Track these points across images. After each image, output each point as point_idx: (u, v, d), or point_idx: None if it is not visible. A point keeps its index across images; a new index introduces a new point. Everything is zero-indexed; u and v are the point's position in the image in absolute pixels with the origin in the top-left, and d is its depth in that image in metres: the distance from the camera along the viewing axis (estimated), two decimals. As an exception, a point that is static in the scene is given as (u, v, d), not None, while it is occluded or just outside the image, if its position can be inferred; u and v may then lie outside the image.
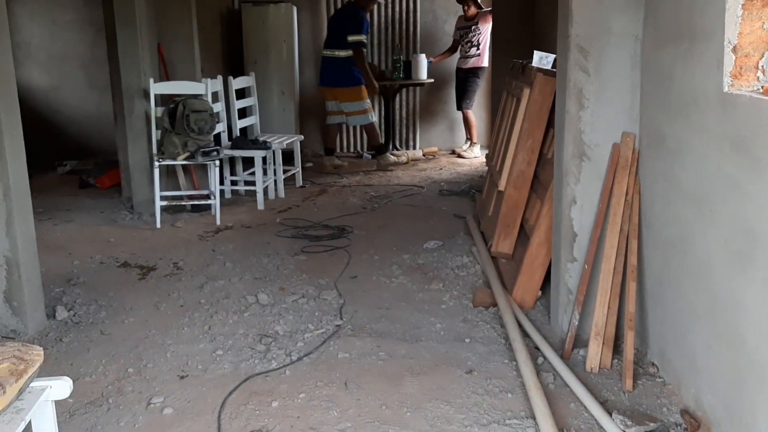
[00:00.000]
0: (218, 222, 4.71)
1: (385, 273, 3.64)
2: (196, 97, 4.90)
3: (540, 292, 3.16)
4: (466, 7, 6.80)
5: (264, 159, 5.31)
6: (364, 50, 6.30)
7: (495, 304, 3.11)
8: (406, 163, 6.69)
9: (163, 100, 5.01)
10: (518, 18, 5.01)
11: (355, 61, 6.25)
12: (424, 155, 7.26)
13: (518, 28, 5.06)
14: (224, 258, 3.94)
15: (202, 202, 4.93)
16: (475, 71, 6.90)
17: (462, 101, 6.98)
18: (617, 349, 2.57)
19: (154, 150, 4.80)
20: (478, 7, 6.80)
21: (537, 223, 3.11)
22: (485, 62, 6.89)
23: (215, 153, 4.72)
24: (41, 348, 1.52)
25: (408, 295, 3.31)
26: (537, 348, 2.65)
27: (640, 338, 2.57)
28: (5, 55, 2.86)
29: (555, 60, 3.69)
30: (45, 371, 1.78)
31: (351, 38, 6.18)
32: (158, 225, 4.62)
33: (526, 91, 3.57)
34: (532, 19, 4.91)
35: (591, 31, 2.55)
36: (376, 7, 7.25)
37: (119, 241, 4.33)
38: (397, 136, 7.49)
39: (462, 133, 7.41)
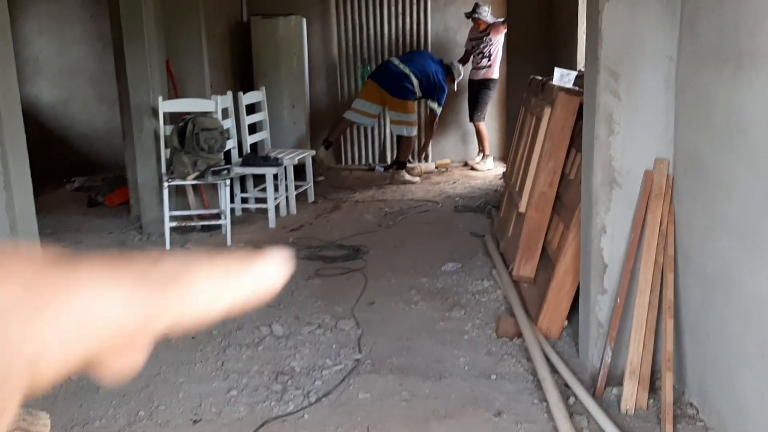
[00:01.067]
0: (229, 242, 4.60)
1: (404, 299, 3.51)
2: (205, 114, 4.81)
3: (566, 322, 3.03)
4: (475, 24, 6.69)
5: (275, 176, 5.20)
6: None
7: (519, 335, 2.97)
8: (419, 182, 6.54)
9: (173, 117, 4.92)
10: (534, 28, 4.89)
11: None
12: (437, 168, 7.13)
13: (534, 38, 4.94)
14: (236, 283, 3.82)
15: (213, 222, 4.83)
16: (486, 83, 6.75)
17: (474, 113, 6.85)
18: (652, 386, 2.44)
19: (163, 169, 4.70)
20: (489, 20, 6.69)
21: (563, 250, 2.98)
22: (496, 74, 6.73)
23: (225, 172, 4.61)
24: (47, 415, 1.41)
25: (429, 324, 3.18)
26: (567, 386, 2.52)
27: (677, 376, 2.43)
28: (10, 83, 2.76)
29: (576, 77, 3.57)
30: (54, 415, 1.67)
31: (432, 105, 6.62)
32: (168, 247, 4.52)
33: (547, 110, 3.44)
34: (549, 30, 4.79)
35: (622, 52, 2.42)
36: (386, 17, 7.17)
37: (129, 265, 4.22)
38: (410, 148, 7.37)
39: (474, 144, 7.28)
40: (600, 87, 2.46)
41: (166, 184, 4.52)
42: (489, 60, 6.71)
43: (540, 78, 3.99)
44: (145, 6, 4.61)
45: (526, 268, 3.52)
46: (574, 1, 4.22)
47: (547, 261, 3.49)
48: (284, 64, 6.87)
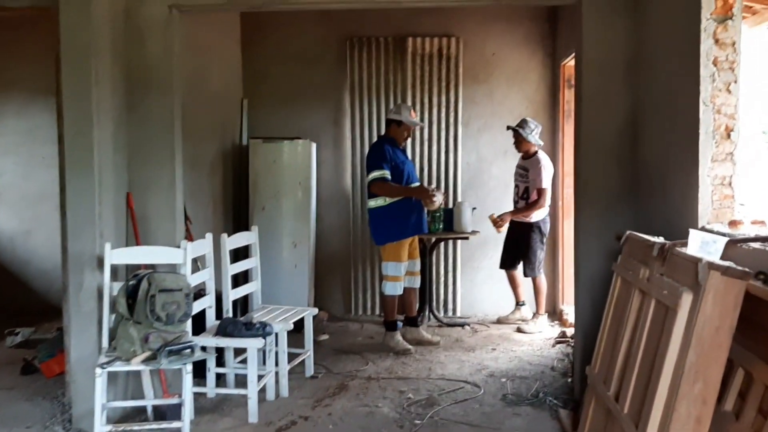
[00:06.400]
0: (187, 454, 3.18)
1: None
2: (172, 268, 3.56)
3: None
4: (516, 144, 5.53)
5: (261, 348, 3.85)
6: (387, 181, 4.91)
7: None
8: (412, 352, 4.95)
9: (131, 270, 3.67)
10: (613, 163, 3.64)
11: (387, 196, 4.93)
12: (469, 326, 5.73)
13: (612, 167, 3.65)
14: None
15: (165, 426, 3.42)
16: (530, 226, 5.48)
17: (525, 266, 5.49)
18: None
19: (104, 344, 3.38)
20: (528, 141, 5.38)
21: None
22: (534, 218, 5.45)
23: (188, 351, 3.27)
24: None
25: None
26: None
27: None
28: None
29: (726, 245, 2.28)
30: None
31: (369, 177, 4.94)
32: (96, 462, 3.11)
33: (688, 298, 2.13)
34: (635, 166, 3.56)
35: None
36: (410, 144, 6.02)
37: (26, 500, 2.81)
38: (434, 298, 6.04)
39: (508, 297, 5.86)
40: None
41: (99, 369, 3.17)
42: (525, 201, 5.47)
43: (649, 239, 2.70)
44: (99, 126, 3.48)
45: None
46: (685, 123, 2.96)
47: None
48: (287, 195, 5.72)
